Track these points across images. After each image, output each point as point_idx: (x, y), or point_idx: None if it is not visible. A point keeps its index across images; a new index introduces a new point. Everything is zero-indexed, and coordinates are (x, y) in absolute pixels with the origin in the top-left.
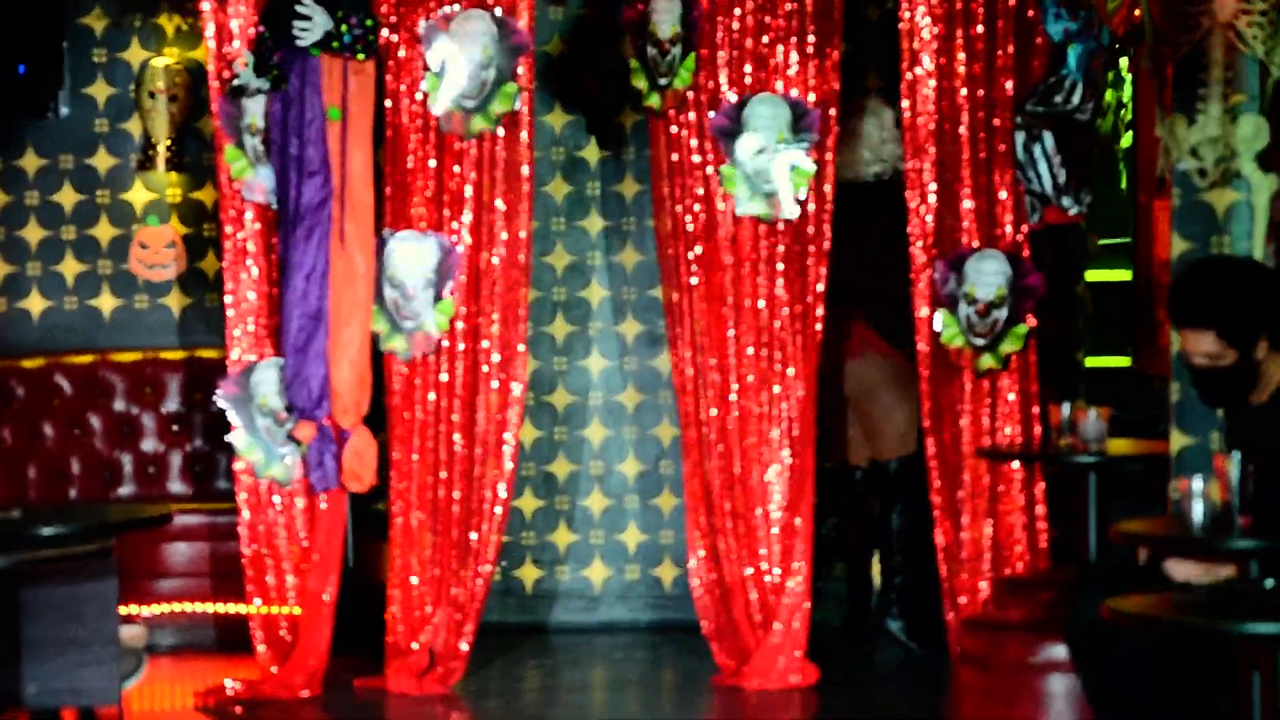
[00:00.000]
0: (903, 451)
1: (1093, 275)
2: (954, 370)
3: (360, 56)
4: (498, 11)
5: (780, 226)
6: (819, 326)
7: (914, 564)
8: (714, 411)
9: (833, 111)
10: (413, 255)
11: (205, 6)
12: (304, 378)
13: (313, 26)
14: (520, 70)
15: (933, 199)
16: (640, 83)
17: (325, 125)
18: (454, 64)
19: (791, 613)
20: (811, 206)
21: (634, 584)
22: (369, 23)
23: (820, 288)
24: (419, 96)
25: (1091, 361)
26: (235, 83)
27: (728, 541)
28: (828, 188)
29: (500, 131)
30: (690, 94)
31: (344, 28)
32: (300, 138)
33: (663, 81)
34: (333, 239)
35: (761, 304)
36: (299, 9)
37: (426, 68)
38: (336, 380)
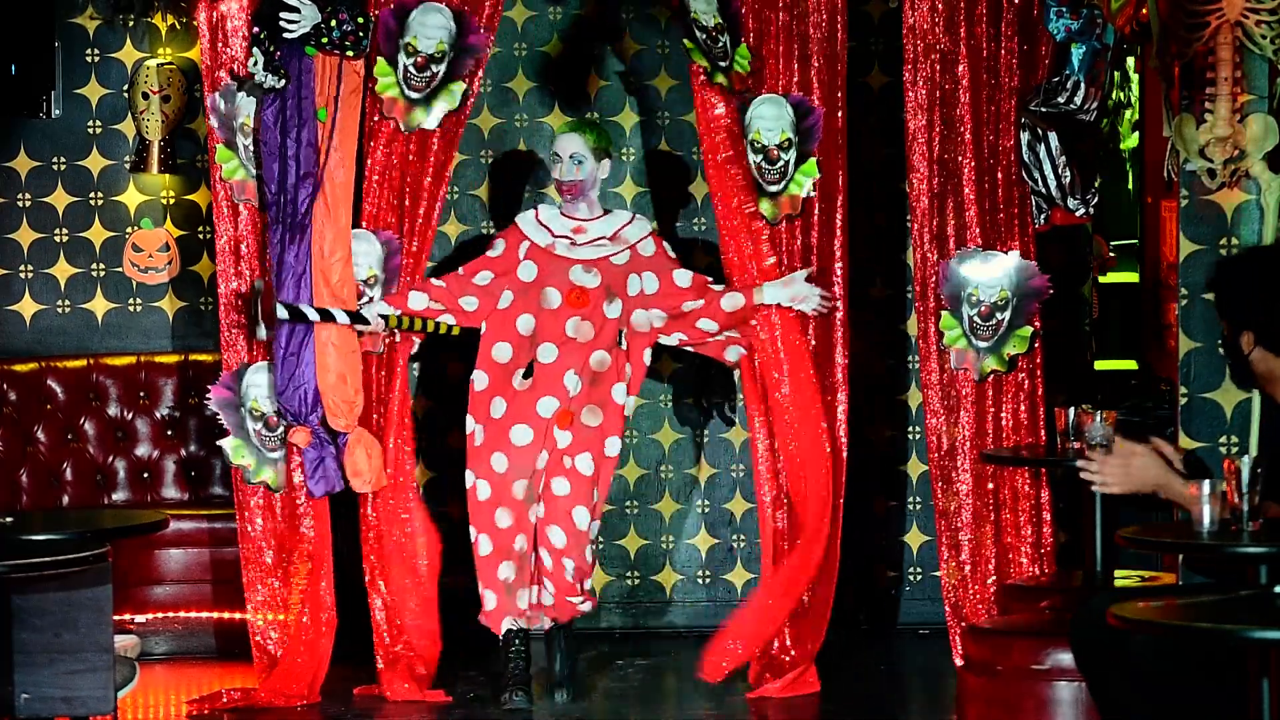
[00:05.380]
0: None
1: (1101, 277)
2: (957, 373)
3: (350, 54)
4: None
5: (783, 226)
6: (839, 328)
7: None
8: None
9: (839, 111)
10: (360, 254)
11: (200, 5)
12: (297, 382)
13: (301, 20)
14: (469, 72)
15: (936, 200)
16: (702, 60)
17: (317, 126)
18: (406, 54)
19: (815, 620)
20: (820, 205)
21: (635, 590)
22: (360, 20)
23: (836, 287)
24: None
25: (1098, 365)
26: (251, 78)
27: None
28: (840, 185)
29: (438, 129)
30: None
31: (333, 23)
32: (295, 139)
33: (722, 64)
34: (314, 240)
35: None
36: (289, 1)
37: (380, 54)
38: (322, 382)
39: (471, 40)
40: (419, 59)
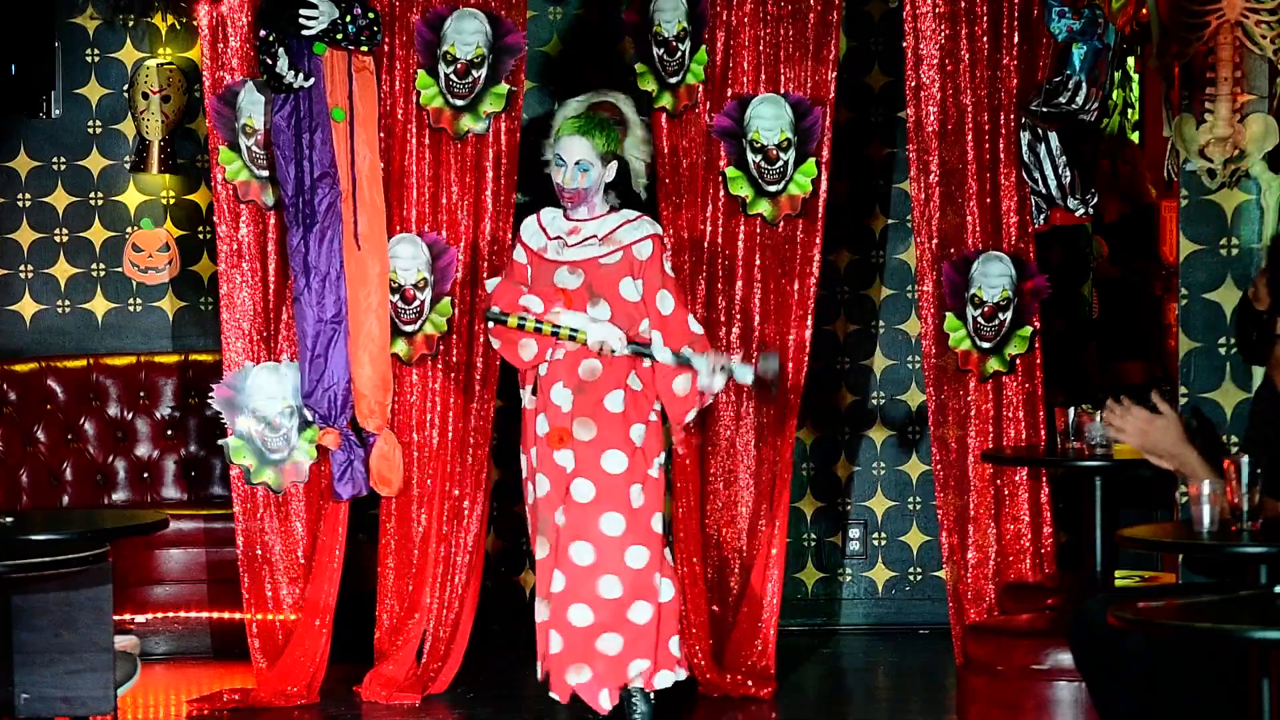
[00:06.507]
0: None
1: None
2: (960, 373)
3: (365, 49)
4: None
5: (782, 226)
6: (808, 331)
7: None
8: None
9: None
10: (408, 258)
11: (200, 6)
12: (328, 384)
13: (320, 15)
14: (512, 71)
15: (938, 200)
16: (649, 85)
17: (331, 125)
18: (445, 62)
19: (767, 619)
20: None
21: None
22: (371, 14)
23: (813, 287)
24: (414, 97)
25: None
26: (279, 78)
27: (710, 547)
28: (824, 187)
29: (489, 132)
30: (702, 89)
31: (348, 18)
32: (311, 139)
33: (673, 80)
34: (345, 241)
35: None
36: None
37: (420, 65)
38: (359, 383)
39: (509, 40)
40: (459, 66)
